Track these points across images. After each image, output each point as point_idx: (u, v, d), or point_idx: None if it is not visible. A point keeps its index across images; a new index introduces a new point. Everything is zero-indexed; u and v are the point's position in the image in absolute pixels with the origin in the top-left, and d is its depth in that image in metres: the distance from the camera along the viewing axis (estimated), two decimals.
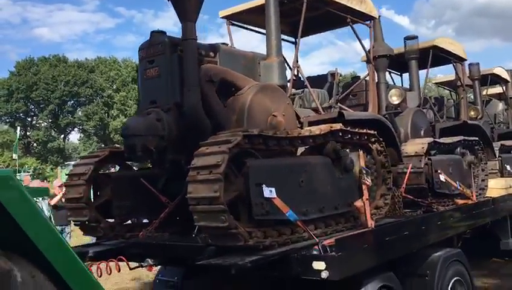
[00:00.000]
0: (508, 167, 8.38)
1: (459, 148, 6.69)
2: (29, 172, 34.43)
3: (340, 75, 5.81)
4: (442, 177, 5.85)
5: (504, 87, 11.34)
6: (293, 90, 5.76)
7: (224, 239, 3.26)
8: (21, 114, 52.01)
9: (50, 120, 52.44)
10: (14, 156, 35.25)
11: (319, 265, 3.27)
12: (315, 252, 3.41)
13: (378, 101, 6.33)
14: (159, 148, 3.73)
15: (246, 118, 3.97)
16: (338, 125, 4.25)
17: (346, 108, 6.08)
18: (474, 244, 7.51)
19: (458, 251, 5.14)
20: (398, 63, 7.74)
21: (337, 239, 3.40)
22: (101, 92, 51.65)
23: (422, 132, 6.69)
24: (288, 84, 4.84)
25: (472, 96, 10.13)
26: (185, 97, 3.72)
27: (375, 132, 4.77)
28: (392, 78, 8.73)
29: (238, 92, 4.13)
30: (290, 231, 3.64)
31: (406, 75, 8.34)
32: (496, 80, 10.57)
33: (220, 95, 4.05)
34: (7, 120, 52.10)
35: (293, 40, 6.32)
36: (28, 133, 52.42)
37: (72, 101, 52.81)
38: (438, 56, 7.67)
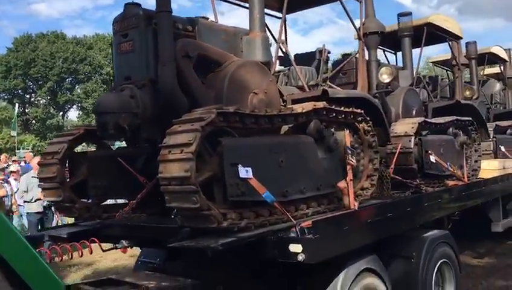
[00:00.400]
0: (502, 148, 8.25)
1: (451, 129, 6.54)
2: (28, 149, 34.32)
3: (329, 52, 5.62)
4: (432, 158, 5.72)
5: (502, 67, 11.13)
6: (281, 68, 5.61)
7: (196, 221, 3.15)
8: (19, 91, 51.68)
9: (48, 97, 52.11)
10: (13, 133, 35.00)
11: (295, 248, 3.17)
12: (292, 235, 3.30)
13: (368, 80, 6.18)
14: (132, 126, 3.59)
15: (225, 96, 3.83)
16: (321, 104, 4.10)
17: (335, 86, 5.93)
18: (466, 225, 7.48)
19: (446, 233, 5.04)
20: (393, 41, 7.55)
21: (314, 221, 3.29)
22: (99, 69, 51.17)
23: (414, 112, 6.54)
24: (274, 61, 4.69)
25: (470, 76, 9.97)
26: (160, 73, 3.56)
27: (362, 111, 4.62)
28: (386, 56, 8.54)
29: (217, 68, 3.97)
30: (268, 212, 3.52)
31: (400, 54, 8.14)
32: (493, 59, 10.36)
33: (198, 71, 3.89)
34: (5, 97, 51.81)
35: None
36: (26, 110, 52.16)
37: (71, 78, 52.39)
38: (432, 34, 7.47)
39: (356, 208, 4.07)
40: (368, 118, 4.71)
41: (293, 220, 3.44)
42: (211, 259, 3.48)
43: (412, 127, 5.58)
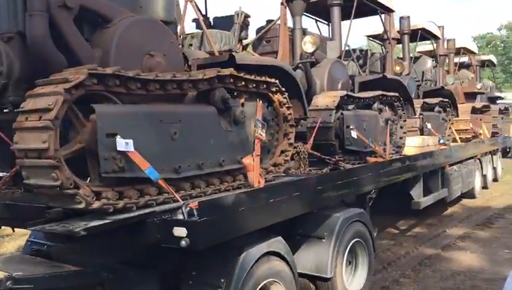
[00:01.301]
0: (429, 126, 8.23)
1: (376, 104, 6.35)
2: None
3: (247, 17, 5.18)
4: (353, 134, 5.50)
5: (435, 44, 11.17)
6: (196, 31, 5.13)
7: (61, 200, 2.69)
8: None
9: None
10: None
11: (179, 232, 2.79)
12: (180, 217, 2.91)
13: (292, 49, 5.83)
14: None
15: (112, 56, 3.30)
16: (228, 70, 3.68)
17: (255, 54, 5.53)
18: (389, 201, 7.43)
19: (360, 211, 4.86)
20: (326, 11, 7.22)
21: (201, 202, 2.90)
22: None
23: (339, 85, 6.28)
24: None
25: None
26: (27, 25, 2.99)
27: (277, 81, 4.25)
28: (318, 27, 8.24)
29: (106, 24, 3.44)
30: (156, 191, 3.11)
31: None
32: (426, 35, 10.33)
33: (82, 26, 3.34)
34: None
35: None
36: None
37: None
38: (364, 5, 7.20)
39: (261, 185, 3.73)
40: (284, 89, 4.36)
41: (180, 199, 3.05)
42: (99, 243, 3.06)
43: (334, 101, 5.30)
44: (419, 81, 10.03)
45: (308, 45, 5.48)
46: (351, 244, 4.58)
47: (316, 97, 5.48)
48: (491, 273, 5.92)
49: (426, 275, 5.97)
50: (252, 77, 3.97)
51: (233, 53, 4.01)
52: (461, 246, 7.14)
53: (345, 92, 5.50)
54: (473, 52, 14.17)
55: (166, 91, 3.27)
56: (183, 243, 2.75)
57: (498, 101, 18.65)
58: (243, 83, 3.92)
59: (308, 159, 4.99)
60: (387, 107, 6.78)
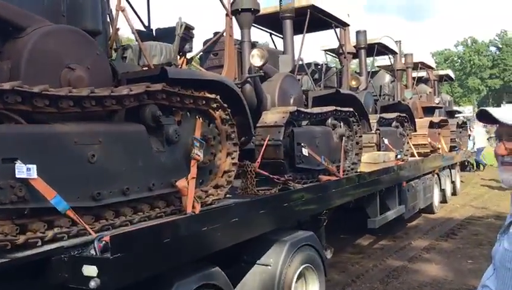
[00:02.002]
0: (386, 141, 8.10)
1: (330, 120, 6.14)
2: None
3: (191, 29, 4.87)
4: (304, 151, 5.24)
5: (392, 59, 11.17)
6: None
7: None
8: None
9: None
10: None
11: (89, 270, 2.42)
12: (92, 252, 2.54)
13: (241, 63, 5.56)
14: None
15: (23, 69, 2.93)
16: (159, 86, 3.36)
17: (199, 67, 5.24)
18: (347, 220, 7.22)
19: (310, 235, 4.57)
20: (280, 24, 7.00)
21: (114, 235, 2.53)
22: None
23: (291, 100, 6.05)
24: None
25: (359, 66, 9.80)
26: None
27: (217, 96, 3.96)
28: (273, 40, 8.03)
29: (19, 34, 3.07)
30: (69, 222, 2.73)
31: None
32: (383, 50, 10.30)
33: None
34: None
35: None
36: None
37: None
38: (318, 19, 7.03)
39: (196, 211, 3.40)
40: (226, 105, 4.06)
41: (92, 232, 2.68)
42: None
43: (283, 117, 5.04)
44: (376, 95, 9.96)
45: (256, 59, 5.22)
46: (299, 270, 4.28)
47: (265, 113, 5.21)
48: (457, 283, 6.01)
49: (394, 287, 6.00)
50: (189, 93, 3.66)
51: (167, 67, 3.69)
52: (426, 258, 7.24)
53: (295, 108, 5.24)
54: (430, 67, 14.33)
55: (84, 109, 2.91)
56: (92, 284, 2.38)
57: (456, 115, 19.01)
58: (178, 98, 3.61)
59: (256, 179, 4.70)
60: (341, 123, 6.59)
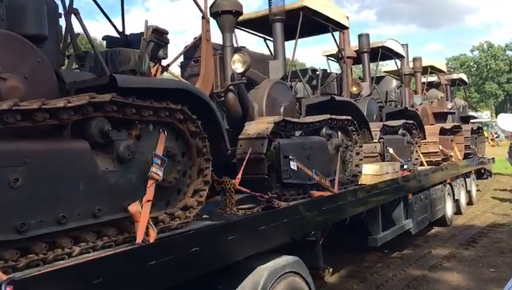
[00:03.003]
0: (391, 150, 7.56)
1: (324, 129, 5.65)
2: None
3: (164, 33, 4.45)
4: (293, 165, 4.76)
5: (399, 63, 10.64)
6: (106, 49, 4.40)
7: None
8: None
9: None
10: None
11: None
12: None
13: (223, 69, 5.13)
14: None
15: None
16: (108, 96, 2.93)
17: (175, 74, 4.82)
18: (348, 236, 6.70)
19: (294, 261, 4.07)
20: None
21: (21, 279, 2.08)
22: None
23: (281, 109, 5.59)
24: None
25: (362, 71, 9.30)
26: None
27: (183, 107, 3.51)
28: (267, 45, 7.60)
29: None
30: None
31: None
32: (388, 54, 9.76)
33: None
34: None
35: None
36: None
37: None
38: (311, 21, 6.57)
39: (151, 240, 2.94)
40: (195, 117, 3.62)
41: (1, 274, 2.23)
42: None
43: (267, 128, 4.57)
44: (382, 102, 9.42)
45: (237, 64, 4.79)
46: None
47: (249, 124, 4.75)
48: None
49: None
50: (147, 103, 3.22)
51: (120, 75, 3.26)
52: (447, 267, 7.14)
53: (281, 117, 4.77)
54: (441, 71, 13.69)
55: (7, 125, 2.49)
56: None
57: (473, 121, 18.26)
58: (134, 110, 3.17)
59: (242, 196, 4.24)
60: (339, 133, 6.10)
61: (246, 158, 4.39)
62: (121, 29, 5.00)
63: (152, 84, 3.33)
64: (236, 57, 4.75)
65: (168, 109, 3.41)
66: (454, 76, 16.10)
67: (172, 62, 4.69)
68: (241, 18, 6.79)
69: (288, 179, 4.75)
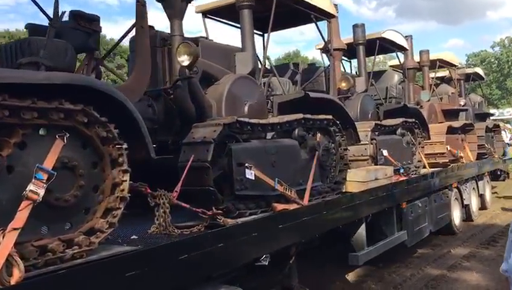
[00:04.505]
0: (385, 152, 6.76)
1: (296, 131, 4.92)
2: None
3: (88, 19, 3.78)
4: (249, 173, 4.05)
5: (402, 56, 9.79)
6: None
7: None
8: None
9: None
10: None
11: None
12: None
13: (170, 62, 4.45)
14: None
15: None
16: None
17: (108, 69, 4.14)
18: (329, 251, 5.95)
19: None
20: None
21: None
22: None
23: (246, 108, 4.88)
24: None
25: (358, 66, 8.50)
26: None
27: (87, 107, 2.84)
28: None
29: None
30: None
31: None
32: (387, 46, 8.92)
33: None
34: None
35: None
36: None
37: None
38: (292, 9, 5.84)
39: (12, 282, 2.27)
40: (104, 119, 2.95)
41: None
42: None
43: (214, 131, 3.86)
44: (380, 99, 8.59)
45: (183, 57, 4.09)
46: None
47: (195, 127, 4.05)
48: None
49: None
50: (27, 104, 2.56)
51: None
52: (467, 266, 7.04)
53: (233, 118, 4.05)
54: (452, 64, 12.70)
55: None
56: None
57: (492, 118, 17.16)
58: (7, 112, 2.51)
59: (169, 215, 3.55)
60: (319, 134, 5.35)
61: (187, 167, 3.70)
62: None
63: (30, 80, 2.63)
64: (181, 48, 4.06)
65: (61, 110, 2.74)
66: (469, 70, 15.07)
67: (107, 54, 4.02)
68: (209, 6, 6.13)
69: (242, 191, 4.04)
